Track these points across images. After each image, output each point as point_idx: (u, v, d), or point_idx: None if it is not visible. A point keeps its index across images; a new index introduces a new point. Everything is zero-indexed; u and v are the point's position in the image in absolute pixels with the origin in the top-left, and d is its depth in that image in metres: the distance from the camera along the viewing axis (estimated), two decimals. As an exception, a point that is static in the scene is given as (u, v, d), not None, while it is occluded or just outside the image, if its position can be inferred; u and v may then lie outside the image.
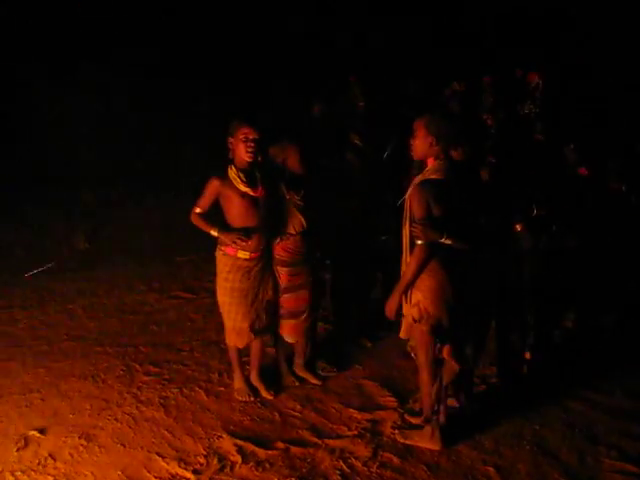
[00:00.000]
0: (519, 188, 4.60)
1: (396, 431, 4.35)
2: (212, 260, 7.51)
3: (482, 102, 6.03)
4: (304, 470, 4.01)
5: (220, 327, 5.93)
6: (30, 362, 5.36)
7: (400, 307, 4.07)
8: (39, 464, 4.07)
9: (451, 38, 10.99)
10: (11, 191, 9.96)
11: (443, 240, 3.84)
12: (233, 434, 4.36)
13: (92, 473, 3.99)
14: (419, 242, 3.86)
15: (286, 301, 4.78)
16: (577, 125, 5.42)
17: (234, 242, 4.45)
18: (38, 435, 4.36)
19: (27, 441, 4.30)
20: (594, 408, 4.59)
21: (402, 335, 4.23)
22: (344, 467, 4.02)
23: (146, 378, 5.10)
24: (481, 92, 6.25)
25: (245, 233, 4.45)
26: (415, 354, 4.20)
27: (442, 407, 4.20)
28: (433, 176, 3.89)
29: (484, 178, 4.46)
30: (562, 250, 4.80)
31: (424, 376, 4.14)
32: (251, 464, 4.06)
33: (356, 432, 4.38)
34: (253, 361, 4.93)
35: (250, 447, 4.21)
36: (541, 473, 3.95)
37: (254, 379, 4.91)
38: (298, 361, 5.07)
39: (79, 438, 4.33)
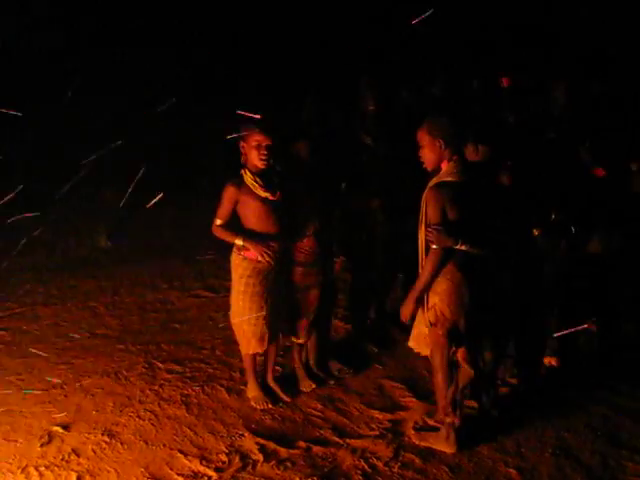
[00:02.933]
0: (537, 191, 4.52)
1: (413, 432, 4.34)
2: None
3: (501, 101, 5.92)
4: (326, 469, 4.01)
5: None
6: (53, 359, 5.41)
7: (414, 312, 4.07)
8: (62, 460, 4.10)
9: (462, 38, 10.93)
10: (33, 189, 10.05)
11: (458, 246, 3.84)
12: (255, 432, 4.38)
13: (115, 469, 4.02)
14: (434, 246, 3.85)
15: (298, 301, 4.79)
16: (593, 124, 5.29)
17: (262, 255, 4.42)
18: (61, 431, 4.39)
19: (51, 437, 4.33)
20: (617, 412, 4.55)
21: (410, 344, 4.27)
22: (366, 467, 4.02)
23: (168, 376, 5.13)
24: (500, 91, 6.13)
25: (266, 240, 4.43)
26: (431, 357, 4.17)
27: (458, 410, 4.15)
28: (448, 178, 3.87)
29: (503, 181, 4.39)
30: (584, 254, 4.75)
31: (439, 379, 4.12)
32: (273, 463, 4.06)
33: (378, 432, 4.38)
34: (269, 364, 4.90)
35: (272, 446, 4.22)
36: (563, 476, 3.92)
37: (271, 382, 4.89)
38: (310, 361, 5.09)
39: (102, 434, 4.37)
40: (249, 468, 4.03)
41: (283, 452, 4.17)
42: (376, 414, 4.58)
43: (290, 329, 4.88)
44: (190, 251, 8.03)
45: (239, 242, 4.44)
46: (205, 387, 4.96)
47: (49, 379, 5.02)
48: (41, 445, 4.24)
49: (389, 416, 4.55)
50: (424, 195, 3.92)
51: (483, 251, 3.91)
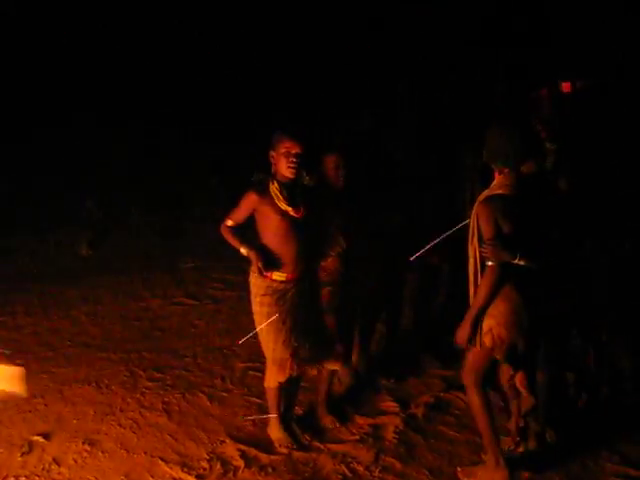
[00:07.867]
0: (597, 199, 4.23)
1: (458, 469, 4.04)
2: (215, 266, 7.64)
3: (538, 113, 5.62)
4: (307, 474, 4.03)
5: (223, 332, 6.04)
6: (34, 368, 5.38)
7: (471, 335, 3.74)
8: (43, 469, 4.10)
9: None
10: (14, 197, 10.03)
11: (516, 261, 3.55)
12: (236, 439, 4.38)
13: (96, 478, 4.01)
14: (490, 263, 3.57)
15: (328, 324, 4.42)
16: None
17: (258, 270, 4.02)
18: (42, 440, 4.38)
19: (31, 446, 4.32)
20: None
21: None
22: (346, 471, 4.04)
23: (149, 384, 5.13)
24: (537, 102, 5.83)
25: (281, 258, 4.07)
26: (463, 375, 3.93)
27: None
28: (498, 191, 3.63)
29: (562, 187, 4.13)
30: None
31: (473, 398, 3.83)
32: (254, 469, 4.08)
33: (358, 437, 4.40)
34: (291, 400, 4.54)
35: (253, 452, 4.23)
36: (543, 477, 3.95)
37: (291, 422, 4.50)
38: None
39: (83, 443, 4.36)
40: (230, 474, 4.04)
41: (264, 458, 4.18)
42: (357, 419, 4.60)
43: (322, 355, 4.35)
44: (172, 259, 8.02)
45: (243, 251, 4.08)
46: (186, 394, 4.96)
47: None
48: (22, 455, 4.23)
49: (370, 421, 4.57)
50: (474, 210, 3.70)
51: (540, 266, 3.65)
